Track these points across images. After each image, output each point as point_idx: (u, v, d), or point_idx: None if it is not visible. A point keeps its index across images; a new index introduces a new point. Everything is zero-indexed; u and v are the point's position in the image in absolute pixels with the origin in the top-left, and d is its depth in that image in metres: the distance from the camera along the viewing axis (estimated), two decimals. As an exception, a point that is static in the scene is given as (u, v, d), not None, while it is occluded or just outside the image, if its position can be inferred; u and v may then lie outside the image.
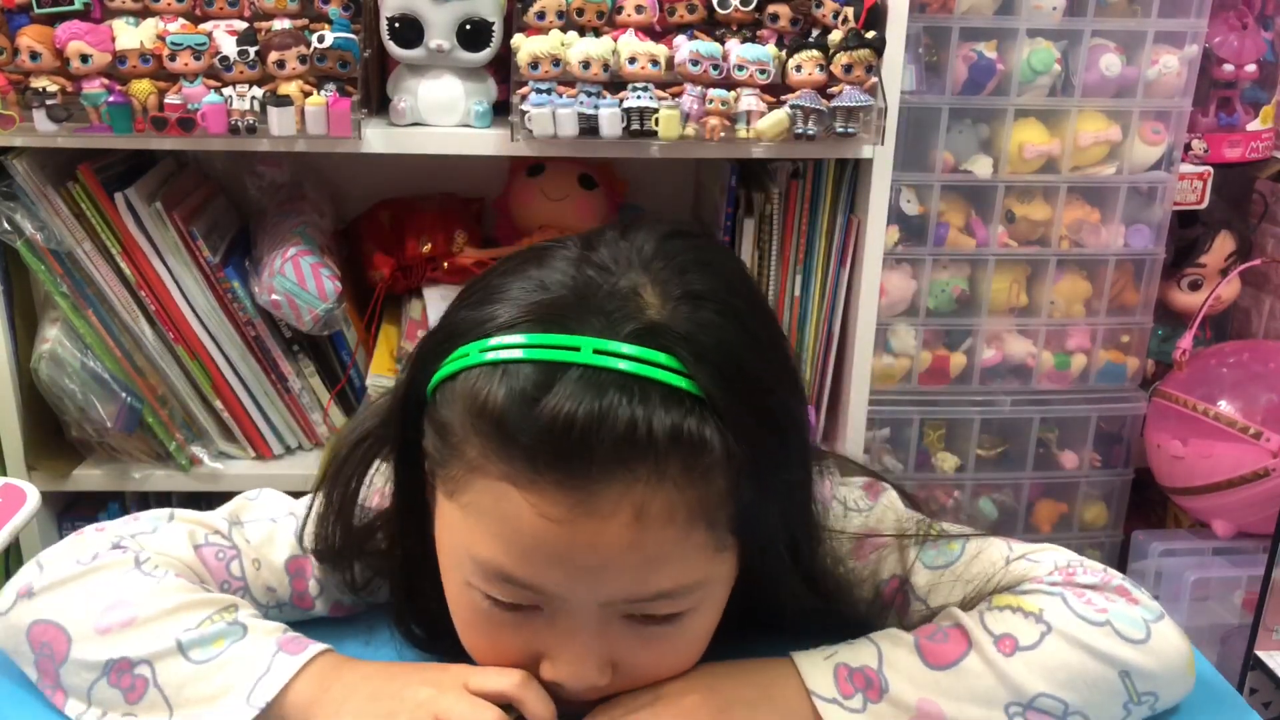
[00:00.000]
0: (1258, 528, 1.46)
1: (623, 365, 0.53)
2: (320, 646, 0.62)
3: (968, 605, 0.66)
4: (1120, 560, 1.63)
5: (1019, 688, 0.60)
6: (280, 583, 0.68)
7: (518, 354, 0.54)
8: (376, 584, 0.69)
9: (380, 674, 0.61)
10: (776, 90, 1.22)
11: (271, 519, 0.70)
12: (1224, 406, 1.45)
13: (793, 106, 1.20)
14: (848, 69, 1.20)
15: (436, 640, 0.66)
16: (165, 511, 0.70)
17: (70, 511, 1.44)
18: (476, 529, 0.56)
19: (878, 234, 1.31)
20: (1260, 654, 1.41)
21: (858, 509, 0.70)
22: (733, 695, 0.61)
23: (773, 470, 0.56)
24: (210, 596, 0.64)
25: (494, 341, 0.55)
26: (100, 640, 0.60)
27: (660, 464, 0.52)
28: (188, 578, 0.65)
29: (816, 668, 0.62)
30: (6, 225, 1.23)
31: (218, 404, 1.36)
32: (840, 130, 1.21)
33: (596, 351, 0.53)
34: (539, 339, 0.54)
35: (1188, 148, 1.52)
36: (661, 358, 0.53)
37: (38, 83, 1.15)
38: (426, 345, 0.60)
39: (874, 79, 1.21)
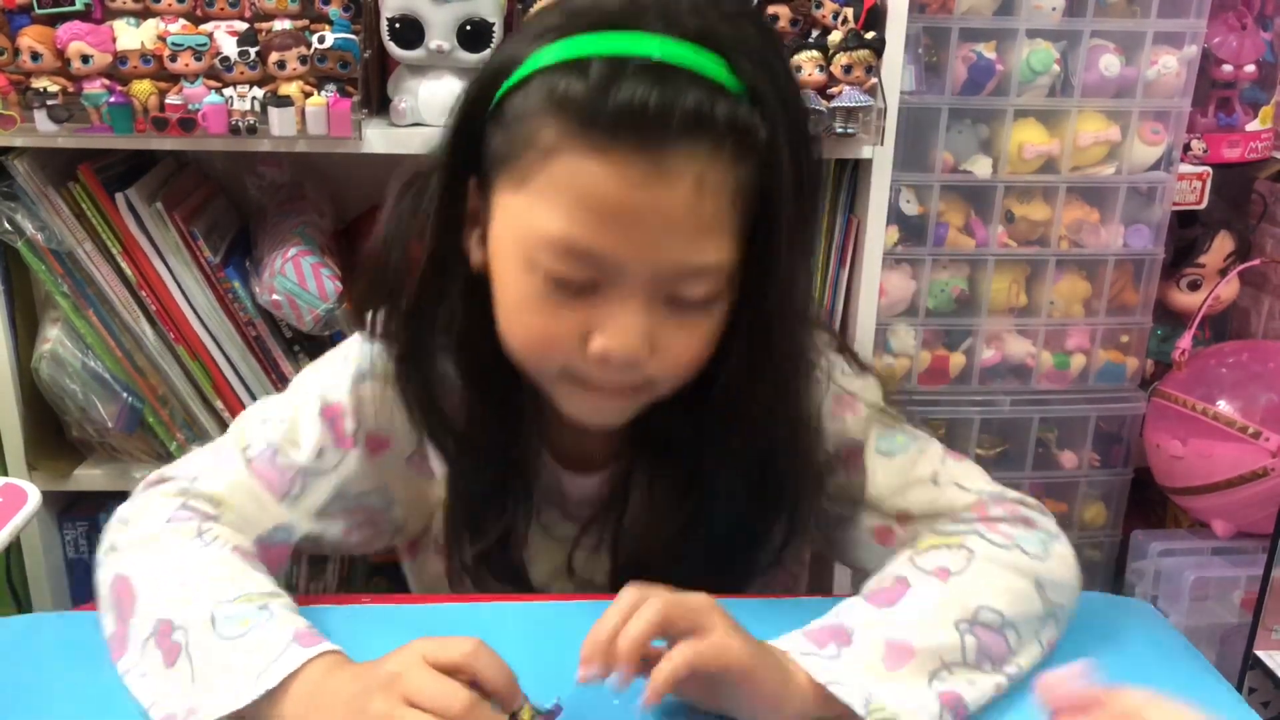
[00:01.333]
0: (1257, 527, 1.46)
1: (683, 60, 0.60)
2: (330, 646, 0.62)
3: (900, 516, 0.75)
4: (1119, 559, 1.63)
5: (962, 604, 0.67)
6: (315, 433, 0.74)
7: (588, 51, 0.61)
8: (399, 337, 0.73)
9: (364, 669, 0.61)
10: (776, 91, 1.22)
11: (281, 419, 0.76)
12: (1223, 406, 1.45)
13: (792, 107, 1.20)
14: (847, 69, 1.20)
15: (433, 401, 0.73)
16: (209, 451, 0.77)
17: (71, 511, 1.44)
18: (551, 207, 0.62)
19: (877, 234, 1.32)
20: (1259, 653, 1.41)
21: (843, 372, 0.78)
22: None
23: (793, 198, 0.64)
24: (253, 579, 0.66)
25: (564, 43, 0.62)
26: (157, 601, 0.64)
27: (718, 142, 0.61)
28: (243, 540, 0.69)
29: (785, 639, 0.66)
30: (7, 225, 1.23)
31: (219, 404, 1.36)
32: (840, 130, 1.21)
33: (658, 51, 0.60)
34: (606, 38, 0.61)
35: (1187, 148, 1.52)
36: (715, 57, 0.61)
37: (38, 83, 1.15)
38: (484, 74, 0.67)
39: (873, 79, 1.21)
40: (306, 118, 1.18)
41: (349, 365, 0.77)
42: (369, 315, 0.75)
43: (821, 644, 0.65)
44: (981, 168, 1.45)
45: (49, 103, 1.15)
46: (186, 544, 0.68)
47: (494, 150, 0.65)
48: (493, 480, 0.76)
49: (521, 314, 0.66)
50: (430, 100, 1.24)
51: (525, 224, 0.64)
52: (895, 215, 1.44)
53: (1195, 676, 0.72)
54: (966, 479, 0.77)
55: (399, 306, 0.72)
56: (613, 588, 0.69)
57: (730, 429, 0.72)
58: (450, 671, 0.57)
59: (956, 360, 1.53)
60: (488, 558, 0.76)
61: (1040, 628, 0.70)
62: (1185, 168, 1.51)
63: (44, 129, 1.16)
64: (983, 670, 0.66)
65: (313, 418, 0.75)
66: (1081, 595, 0.77)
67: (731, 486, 0.74)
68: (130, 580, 0.66)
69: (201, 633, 0.62)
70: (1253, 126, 1.54)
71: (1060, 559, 0.73)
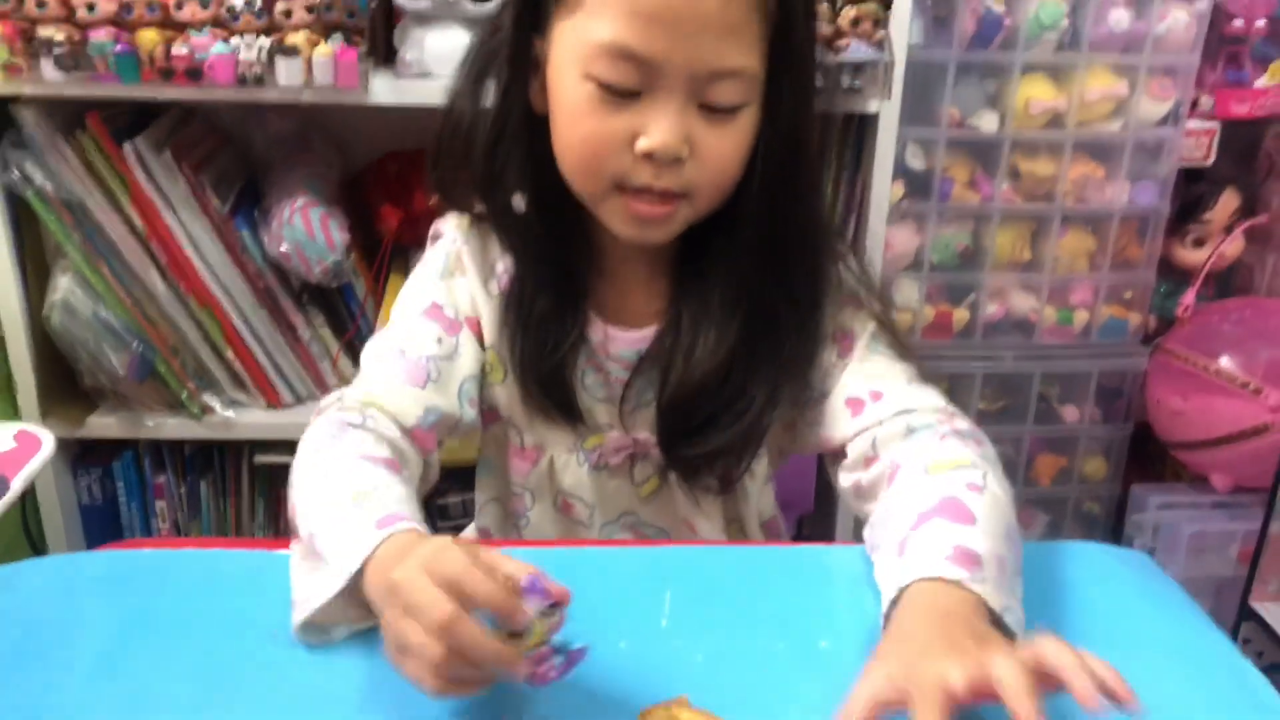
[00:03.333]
0: (1256, 482, 1.48)
1: None
2: (405, 525, 0.64)
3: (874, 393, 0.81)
4: (1119, 512, 1.64)
5: (1007, 514, 0.72)
6: (431, 333, 0.83)
7: None
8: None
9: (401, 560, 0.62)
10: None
11: (395, 333, 0.83)
12: (1225, 362, 1.46)
13: (800, 60, 1.19)
14: (855, 22, 1.19)
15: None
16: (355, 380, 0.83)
17: (85, 459, 1.46)
18: (601, 19, 0.72)
19: (883, 189, 1.32)
20: (1254, 605, 1.44)
21: (854, 278, 0.86)
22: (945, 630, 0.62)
23: (802, 36, 0.75)
24: (368, 479, 0.70)
25: None
26: (307, 518, 0.70)
27: None
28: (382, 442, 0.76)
29: (932, 565, 0.65)
30: (16, 174, 1.24)
31: (229, 354, 1.37)
32: (847, 86, 1.21)
33: None
34: None
35: (1195, 104, 1.51)
36: None
37: (45, 31, 1.15)
38: None
39: (881, 33, 1.21)
40: (313, 68, 1.18)
41: (432, 269, 0.87)
42: (444, 181, 0.85)
43: (969, 568, 0.65)
44: (988, 123, 1.45)
45: (55, 51, 1.15)
46: (328, 462, 0.74)
47: None
48: (551, 302, 0.84)
49: (576, 123, 0.75)
50: (437, 51, 1.24)
51: (580, 40, 0.74)
52: (901, 170, 1.44)
53: (1191, 627, 0.73)
54: (933, 391, 0.83)
55: (474, 155, 0.81)
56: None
57: (762, 241, 0.80)
58: (449, 584, 0.57)
59: (960, 315, 1.54)
60: (544, 380, 0.84)
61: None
62: (1193, 124, 1.50)
63: (50, 77, 1.16)
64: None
65: (420, 319, 0.84)
66: (1080, 546, 0.79)
67: (766, 313, 0.82)
68: (294, 506, 0.73)
69: (321, 538, 0.67)
70: (1262, 83, 1.53)
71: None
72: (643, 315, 0.87)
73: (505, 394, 0.87)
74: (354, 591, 0.63)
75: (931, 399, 0.81)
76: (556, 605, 0.56)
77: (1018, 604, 0.66)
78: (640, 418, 0.87)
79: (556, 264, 0.84)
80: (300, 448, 0.77)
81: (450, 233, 0.89)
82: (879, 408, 0.81)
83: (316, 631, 0.66)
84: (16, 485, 1.01)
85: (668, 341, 0.84)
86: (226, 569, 0.74)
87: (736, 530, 0.93)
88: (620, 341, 0.86)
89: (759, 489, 0.92)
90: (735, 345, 0.82)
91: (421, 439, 0.80)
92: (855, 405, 0.83)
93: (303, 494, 0.72)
